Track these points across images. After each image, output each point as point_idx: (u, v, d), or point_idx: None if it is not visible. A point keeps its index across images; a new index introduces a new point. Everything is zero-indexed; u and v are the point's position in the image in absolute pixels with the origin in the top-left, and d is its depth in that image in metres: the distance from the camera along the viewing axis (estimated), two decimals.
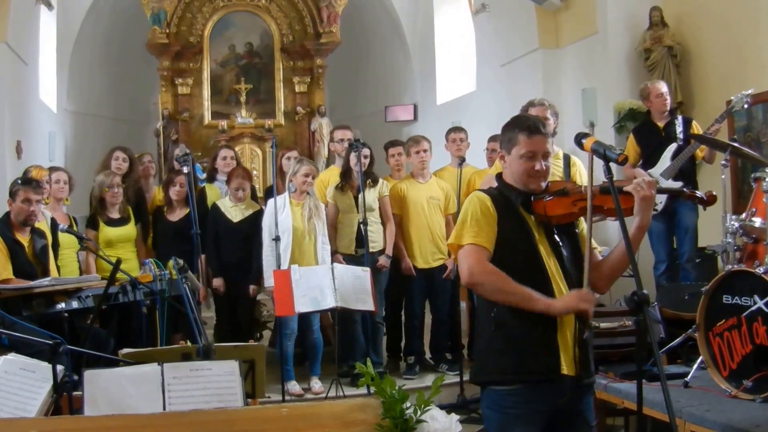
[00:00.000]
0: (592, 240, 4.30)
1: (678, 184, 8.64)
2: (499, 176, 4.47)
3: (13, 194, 7.30)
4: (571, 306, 4.02)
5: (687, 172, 8.84)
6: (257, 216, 9.02)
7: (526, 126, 4.25)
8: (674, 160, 8.77)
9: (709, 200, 4.60)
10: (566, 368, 4.11)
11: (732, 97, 8.33)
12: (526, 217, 4.27)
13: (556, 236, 4.27)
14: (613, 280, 4.45)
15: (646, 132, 9.26)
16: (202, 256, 8.68)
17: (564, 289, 4.15)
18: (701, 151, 8.64)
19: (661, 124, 9.09)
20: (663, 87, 9.14)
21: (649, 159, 9.06)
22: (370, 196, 8.99)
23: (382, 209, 9.08)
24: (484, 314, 4.31)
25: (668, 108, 9.14)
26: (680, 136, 8.75)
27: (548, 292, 4.11)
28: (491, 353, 4.27)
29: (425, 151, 9.26)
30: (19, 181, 7.47)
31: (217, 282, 8.99)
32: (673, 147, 8.85)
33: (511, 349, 4.16)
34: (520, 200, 4.28)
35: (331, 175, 9.51)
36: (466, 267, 4.19)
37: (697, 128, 8.88)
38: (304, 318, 8.41)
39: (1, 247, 7.07)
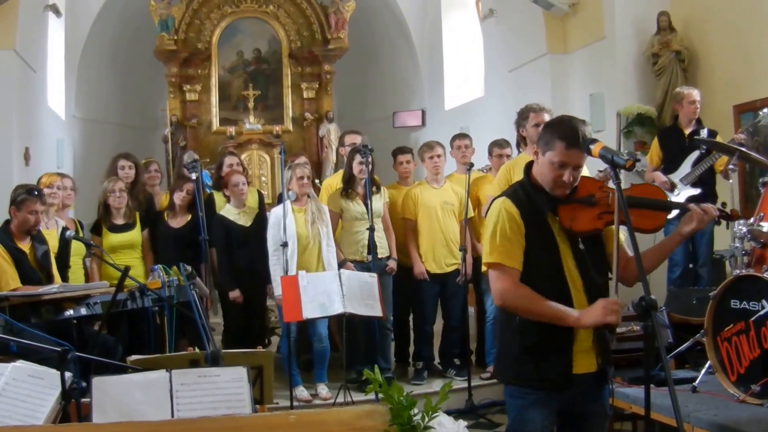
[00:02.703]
0: (620, 232, 4.29)
1: (697, 191, 8.72)
2: (528, 168, 4.47)
3: (18, 204, 7.24)
4: (599, 319, 4.03)
5: (707, 180, 8.90)
6: (262, 216, 9.10)
7: (567, 136, 4.17)
8: (694, 167, 8.80)
9: (732, 216, 4.59)
10: (582, 367, 4.24)
11: (760, 113, 8.37)
12: (552, 224, 4.30)
13: (581, 245, 4.30)
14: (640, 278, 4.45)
15: (671, 137, 9.31)
16: (207, 263, 8.69)
17: (584, 299, 4.22)
18: (721, 165, 8.61)
19: (687, 131, 9.12)
20: (697, 95, 9.17)
21: (670, 164, 9.10)
22: (378, 203, 8.99)
23: (383, 215, 9.09)
24: (505, 320, 4.41)
25: (697, 116, 9.16)
26: (703, 146, 8.75)
27: (568, 302, 4.18)
28: (510, 358, 4.42)
29: (439, 156, 9.23)
30: (24, 191, 7.43)
31: (234, 294, 8.89)
32: (695, 154, 8.86)
33: (528, 358, 4.27)
34: (548, 207, 4.30)
35: (339, 180, 9.48)
36: (498, 290, 4.27)
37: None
38: (312, 324, 8.41)
39: (6, 256, 7.06)
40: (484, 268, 4.42)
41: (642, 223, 4.35)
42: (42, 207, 7.37)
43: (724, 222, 4.85)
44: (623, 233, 4.37)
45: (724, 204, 4.45)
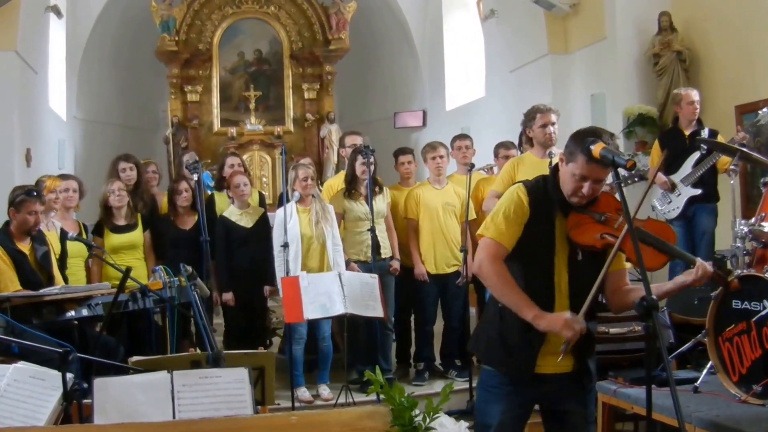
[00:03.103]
0: (624, 259, 4.41)
1: (697, 191, 8.74)
2: (555, 169, 4.48)
3: (17, 205, 7.21)
4: (555, 328, 4.12)
5: (708, 181, 8.91)
6: (265, 218, 9.07)
7: (589, 151, 4.14)
8: (695, 168, 8.81)
9: (729, 285, 4.57)
10: (551, 368, 4.33)
11: (759, 112, 8.37)
12: (558, 225, 4.35)
13: (580, 255, 4.34)
14: (626, 309, 4.59)
15: (672, 138, 9.32)
16: (212, 263, 8.68)
17: (564, 303, 4.30)
18: (724, 164, 8.61)
19: (687, 132, 9.13)
20: (695, 95, 9.16)
21: (671, 165, 9.10)
22: (382, 203, 9.00)
23: (386, 216, 9.09)
24: (493, 301, 4.50)
25: (697, 116, 9.16)
26: (704, 146, 8.74)
27: (549, 305, 4.25)
28: (487, 337, 4.58)
29: (441, 157, 9.22)
30: (23, 192, 7.41)
31: (227, 296, 8.93)
32: (696, 155, 8.87)
33: (500, 343, 4.43)
34: (561, 208, 4.36)
35: (341, 181, 9.49)
36: (480, 258, 4.39)
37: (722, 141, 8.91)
38: (315, 325, 8.41)
39: (6, 259, 7.05)
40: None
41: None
42: (41, 207, 7.35)
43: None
44: (629, 264, 4.48)
45: (721, 266, 4.43)
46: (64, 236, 7.94)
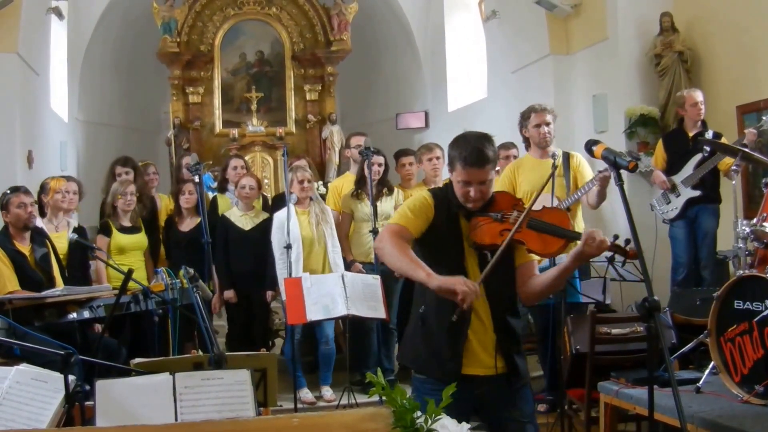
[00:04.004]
0: (527, 252, 4.51)
1: (697, 193, 8.76)
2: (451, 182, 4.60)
3: (5, 205, 7.31)
4: (448, 283, 4.11)
5: (709, 183, 8.93)
6: (268, 223, 9.02)
7: (463, 156, 4.35)
8: (696, 169, 8.82)
9: (628, 253, 4.53)
10: (477, 369, 4.43)
11: (764, 118, 8.45)
12: (463, 230, 4.48)
13: (488, 255, 4.41)
14: (542, 298, 4.72)
15: (675, 139, 9.34)
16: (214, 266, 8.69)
17: (482, 303, 4.39)
18: (725, 166, 8.61)
19: (691, 133, 9.13)
20: (699, 96, 9.18)
21: (673, 166, 9.13)
22: (388, 204, 9.00)
23: None
24: (415, 307, 4.62)
25: (701, 118, 9.16)
26: (707, 147, 8.73)
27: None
28: (412, 345, 4.69)
29: (438, 158, 9.19)
30: (7, 191, 7.47)
31: (228, 294, 8.98)
32: (698, 157, 8.88)
33: (425, 347, 4.54)
34: (463, 211, 4.48)
35: (345, 182, 9.50)
36: (381, 233, 4.50)
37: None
38: (318, 326, 8.42)
39: (5, 259, 7.08)
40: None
41: (536, 245, 4.45)
42: (29, 199, 7.40)
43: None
44: (534, 256, 4.58)
45: (616, 236, 4.43)
46: (81, 233, 7.99)
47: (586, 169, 7.97)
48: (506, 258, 4.40)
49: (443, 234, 4.45)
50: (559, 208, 5.71)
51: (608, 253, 4.37)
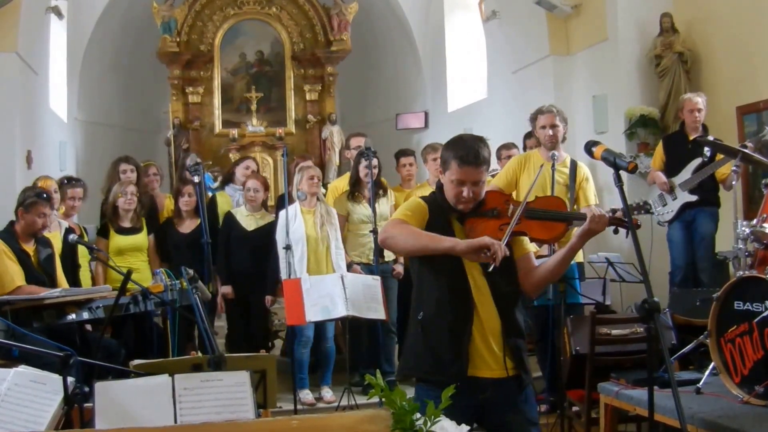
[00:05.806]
0: (530, 243, 4.61)
1: (693, 198, 8.77)
2: (440, 186, 4.64)
3: (27, 206, 7.27)
4: (477, 243, 4.17)
5: (707, 187, 8.91)
6: (271, 226, 9.01)
7: (459, 155, 4.40)
8: (695, 174, 8.81)
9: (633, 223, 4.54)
10: (484, 371, 4.41)
11: (766, 127, 8.43)
12: (457, 234, 4.48)
13: None
14: (543, 287, 4.82)
15: (675, 142, 9.33)
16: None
17: (491, 305, 4.40)
18: (722, 175, 8.61)
19: (691, 137, 9.11)
20: (699, 103, 9.14)
21: (672, 168, 9.12)
22: (385, 205, 8.99)
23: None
24: (413, 317, 4.64)
25: (697, 125, 9.14)
26: (707, 153, 8.71)
27: (468, 303, 4.39)
28: (414, 354, 4.69)
29: None
30: (34, 194, 7.44)
31: (226, 289, 9.00)
32: (697, 161, 8.87)
33: (427, 353, 4.52)
34: (455, 215, 4.52)
35: (345, 183, 9.50)
36: (385, 226, 4.58)
37: None
38: (318, 327, 8.42)
39: (11, 255, 7.09)
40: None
41: (540, 233, 4.52)
42: (50, 211, 7.43)
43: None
44: (534, 245, 4.68)
45: (614, 210, 4.46)
46: (67, 237, 7.95)
47: (590, 189, 7.95)
48: (506, 257, 4.38)
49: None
50: (551, 196, 5.74)
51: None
